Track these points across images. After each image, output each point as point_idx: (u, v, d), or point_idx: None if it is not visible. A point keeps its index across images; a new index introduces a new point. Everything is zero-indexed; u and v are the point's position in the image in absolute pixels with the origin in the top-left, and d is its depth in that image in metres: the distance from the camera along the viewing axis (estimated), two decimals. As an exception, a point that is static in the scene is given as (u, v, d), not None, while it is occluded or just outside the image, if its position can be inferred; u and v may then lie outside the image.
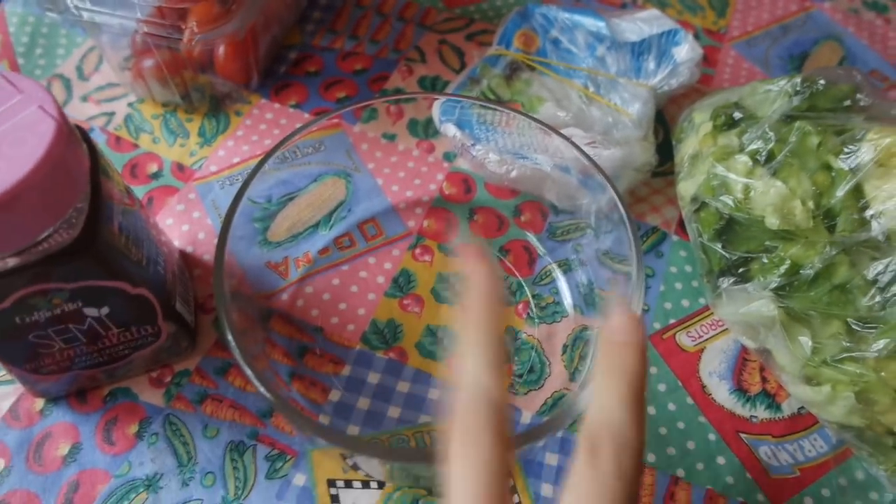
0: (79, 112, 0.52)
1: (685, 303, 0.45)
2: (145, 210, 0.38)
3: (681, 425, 0.40)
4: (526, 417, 0.40)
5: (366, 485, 0.37)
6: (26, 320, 0.31)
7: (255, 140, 0.51)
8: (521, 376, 0.41)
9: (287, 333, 0.42)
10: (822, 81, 0.43)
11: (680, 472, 0.39)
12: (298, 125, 0.40)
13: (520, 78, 0.52)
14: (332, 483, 0.37)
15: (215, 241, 0.38)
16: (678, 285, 0.46)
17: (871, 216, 0.37)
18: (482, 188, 0.49)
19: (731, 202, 0.40)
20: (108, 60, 0.52)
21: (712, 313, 0.45)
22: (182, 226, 0.46)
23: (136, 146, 0.51)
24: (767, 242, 0.39)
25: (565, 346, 0.42)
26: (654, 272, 0.46)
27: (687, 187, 0.44)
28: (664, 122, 0.54)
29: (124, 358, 0.37)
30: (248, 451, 0.38)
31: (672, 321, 0.44)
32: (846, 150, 0.39)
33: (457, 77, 0.54)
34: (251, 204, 0.41)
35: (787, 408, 0.41)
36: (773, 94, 0.44)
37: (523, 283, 0.45)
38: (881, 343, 0.35)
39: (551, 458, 0.39)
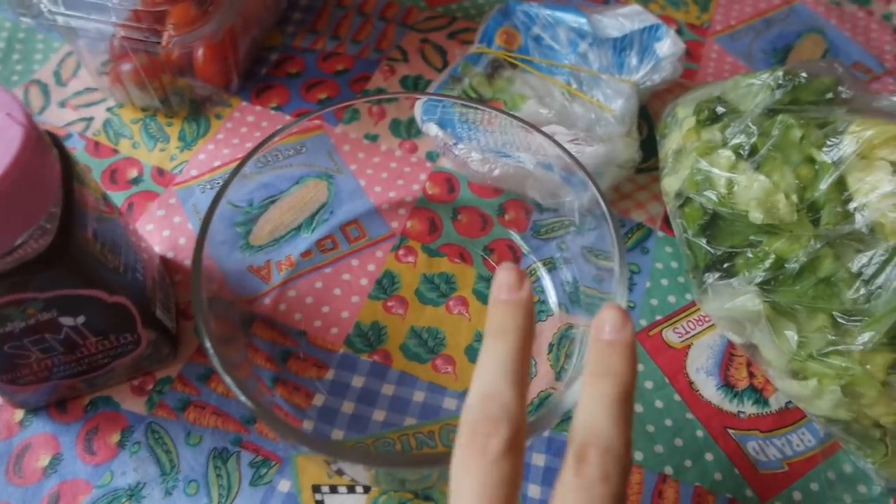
0: (57, 118, 0.52)
1: (671, 299, 0.45)
2: (124, 216, 0.37)
3: (668, 422, 0.40)
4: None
5: (351, 489, 0.37)
6: (0, 331, 0.31)
7: (236, 143, 0.51)
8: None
9: (270, 338, 0.42)
10: (804, 74, 0.43)
11: (668, 470, 0.39)
12: (279, 127, 0.40)
13: (502, 76, 0.52)
14: (317, 489, 0.37)
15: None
16: (664, 281, 0.46)
17: (855, 209, 0.37)
18: (465, 187, 0.49)
19: (714, 197, 0.40)
20: (85, 65, 0.51)
21: (699, 309, 0.44)
22: (163, 231, 0.46)
23: (115, 151, 0.50)
24: (752, 237, 0.39)
25: (551, 345, 0.42)
26: (640, 268, 0.46)
27: (671, 183, 0.44)
28: (648, 118, 0.54)
29: (104, 366, 0.37)
30: (231, 457, 0.38)
31: (658, 318, 0.44)
32: (829, 142, 0.39)
33: (439, 76, 0.53)
34: (232, 208, 0.41)
35: (775, 402, 0.41)
36: (755, 88, 0.44)
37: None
38: (866, 336, 0.34)
39: (538, 459, 0.38)
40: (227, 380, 0.30)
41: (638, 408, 0.41)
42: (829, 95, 0.42)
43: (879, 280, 0.35)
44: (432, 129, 0.47)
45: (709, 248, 0.40)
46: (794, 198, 0.38)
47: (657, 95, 0.55)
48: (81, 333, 0.34)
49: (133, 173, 0.49)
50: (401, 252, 0.46)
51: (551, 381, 0.40)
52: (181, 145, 0.50)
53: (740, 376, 0.42)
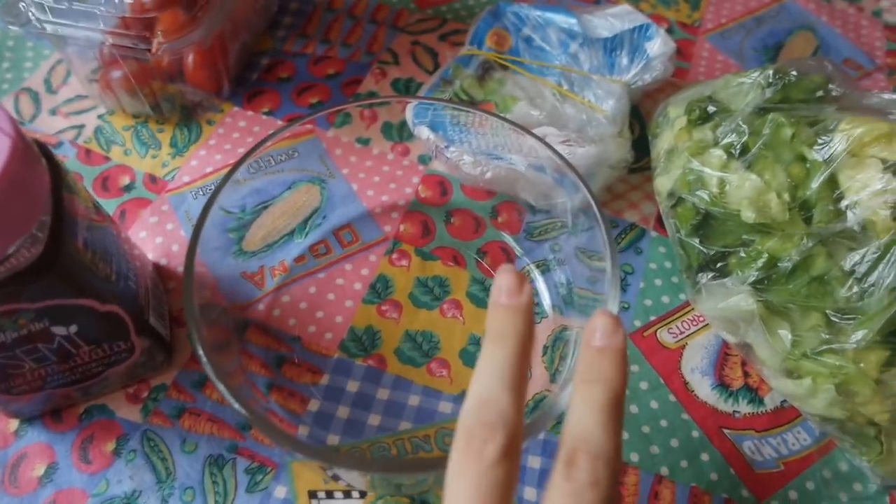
0: (48, 125, 0.52)
1: (665, 299, 0.45)
2: (116, 224, 0.37)
3: (664, 423, 0.40)
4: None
5: (347, 495, 0.37)
6: (-8, 342, 0.31)
7: (227, 149, 0.51)
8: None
9: (264, 344, 0.42)
10: (794, 72, 0.43)
11: (664, 471, 0.39)
12: (271, 132, 0.39)
13: (493, 77, 0.52)
14: (313, 494, 0.37)
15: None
16: (658, 282, 0.46)
17: (847, 206, 0.37)
18: (458, 190, 0.49)
19: (706, 197, 0.40)
20: (75, 73, 0.51)
21: (693, 309, 0.44)
22: (156, 238, 0.46)
23: (107, 159, 0.50)
24: (744, 236, 0.39)
25: (545, 347, 0.42)
26: (634, 269, 0.46)
27: (664, 182, 0.44)
28: (640, 118, 0.54)
29: (98, 375, 0.37)
30: (227, 464, 0.38)
31: (653, 318, 0.44)
32: (820, 140, 0.39)
33: (430, 78, 0.53)
34: (225, 214, 0.40)
35: (770, 402, 0.41)
36: (746, 87, 0.44)
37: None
38: (860, 334, 0.34)
39: (534, 462, 0.38)
40: (221, 388, 0.30)
41: (633, 409, 0.41)
42: (820, 93, 0.42)
43: (872, 278, 0.35)
44: (424, 132, 0.46)
45: (702, 248, 0.40)
46: (786, 196, 0.38)
47: (649, 95, 0.55)
48: (74, 342, 0.33)
49: (125, 180, 0.49)
50: (394, 256, 0.46)
51: (546, 384, 0.40)
52: (173, 152, 0.50)
53: (735, 376, 0.42)
